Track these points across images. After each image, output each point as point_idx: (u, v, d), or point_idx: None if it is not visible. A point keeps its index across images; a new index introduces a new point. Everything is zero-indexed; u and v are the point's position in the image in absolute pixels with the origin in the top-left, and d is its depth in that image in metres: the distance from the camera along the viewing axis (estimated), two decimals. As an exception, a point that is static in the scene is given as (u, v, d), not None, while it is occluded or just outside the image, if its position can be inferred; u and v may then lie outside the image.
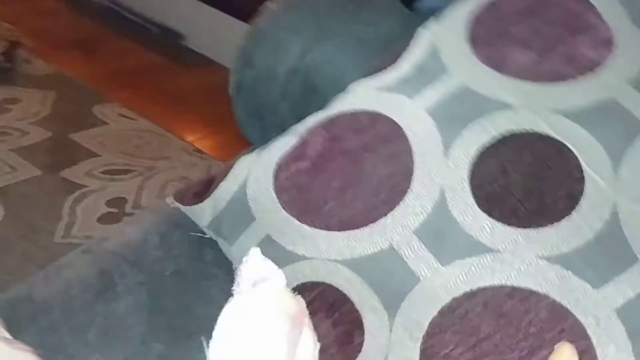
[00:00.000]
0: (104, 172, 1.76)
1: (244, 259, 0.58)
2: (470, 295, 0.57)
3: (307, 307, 0.59)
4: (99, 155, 1.82)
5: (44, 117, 1.94)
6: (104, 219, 1.60)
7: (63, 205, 1.62)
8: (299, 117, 0.69)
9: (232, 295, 0.57)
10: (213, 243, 0.68)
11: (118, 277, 0.62)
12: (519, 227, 0.58)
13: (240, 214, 0.66)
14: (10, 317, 0.49)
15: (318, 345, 0.59)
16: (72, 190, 1.67)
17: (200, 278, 0.64)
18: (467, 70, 0.64)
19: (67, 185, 1.68)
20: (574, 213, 0.58)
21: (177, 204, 0.71)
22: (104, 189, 1.70)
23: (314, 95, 0.73)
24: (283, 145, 0.67)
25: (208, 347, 0.54)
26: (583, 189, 0.58)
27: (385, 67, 0.68)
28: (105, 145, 1.86)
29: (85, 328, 0.57)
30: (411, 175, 0.61)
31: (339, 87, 0.70)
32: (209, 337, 0.55)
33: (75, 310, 0.59)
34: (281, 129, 0.70)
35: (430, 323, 0.58)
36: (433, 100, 0.63)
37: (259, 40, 0.80)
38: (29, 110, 1.95)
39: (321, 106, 0.68)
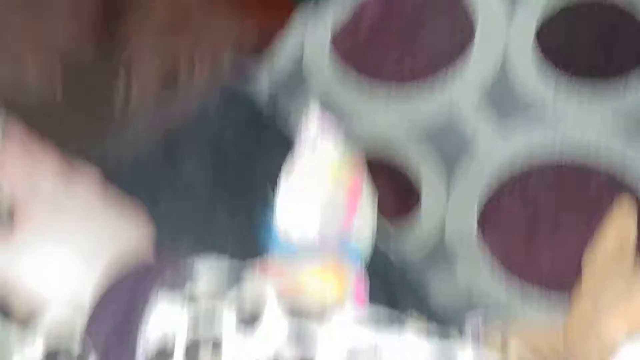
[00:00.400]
0: (156, 33, 1.75)
1: (303, 121, 0.59)
2: (529, 160, 0.57)
3: (365, 169, 0.60)
4: (151, 15, 1.80)
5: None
6: (160, 88, 1.62)
7: (118, 72, 1.63)
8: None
9: (291, 157, 0.58)
10: (271, 108, 0.68)
11: (181, 142, 0.64)
12: (582, 89, 0.57)
13: (297, 78, 0.66)
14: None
15: (375, 208, 0.61)
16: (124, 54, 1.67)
17: (260, 142, 0.66)
18: None
19: (119, 49, 1.68)
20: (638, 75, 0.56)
21: (233, 70, 0.72)
22: (157, 57, 1.70)
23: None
24: (339, 7, 0.65)
25: (272, 210, 0.57)
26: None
27: None
28: (155, 6, 1.84)
29: (156, 190, 0.60)
30: (473, 34, 0.60)
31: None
32: (271, 200, 0.57)
33: (144, 173, 0.61)
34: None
35: (489, 188, 0.58)
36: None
37: None
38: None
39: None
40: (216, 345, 0.35)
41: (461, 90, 0.59)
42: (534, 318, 0.58)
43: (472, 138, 0.59)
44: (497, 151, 0.58)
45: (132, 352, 0.37)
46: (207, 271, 0.38)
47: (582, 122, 0.57)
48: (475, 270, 0.61)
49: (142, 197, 0.58)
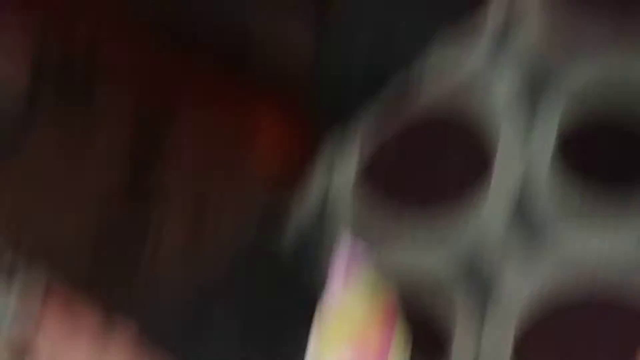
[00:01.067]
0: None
1: (334, 252, 0.59)
2: (558, 298, 0.56)
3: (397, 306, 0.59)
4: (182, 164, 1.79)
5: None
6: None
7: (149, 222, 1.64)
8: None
9: (323, 302, 0.58)
10: (297, 260, 0.69)
11: (210, 299, 0.65)
12: (605, 217, 0.56)
13: (324, 221, 0.66)
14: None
15: (409, 346, 0.59)
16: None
17: (287, 299, 0.65)
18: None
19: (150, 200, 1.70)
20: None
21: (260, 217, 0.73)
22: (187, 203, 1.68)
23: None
24: (364, 141, 0.66)
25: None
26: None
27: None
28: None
29: (187, 347, 0.60)
30: (492, 161, 0.60)
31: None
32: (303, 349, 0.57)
33: (175, 327, 0.62)
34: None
35: (519, 331, 0.57)
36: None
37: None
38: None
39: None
40: None
41: (483, 225, 0.59)
42: None
43: (496, 280, 0.58)
44: (522, 293, 0.57)
45: None
46: None
47: (610, 254, 0.55)
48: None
49: (174, 352, 0.59)
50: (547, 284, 0.56)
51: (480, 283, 0.58)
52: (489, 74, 0.62)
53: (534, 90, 0.60)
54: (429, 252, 0.61)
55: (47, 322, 0.46)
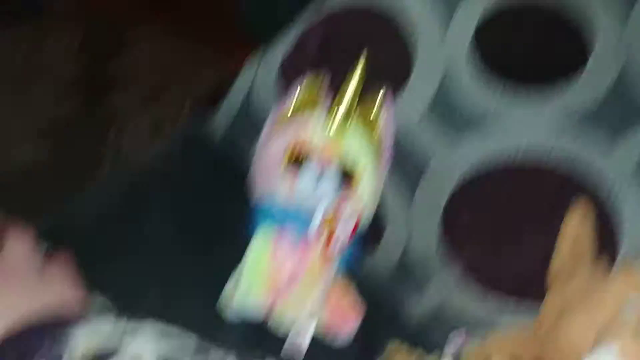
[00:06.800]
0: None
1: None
2: (484, 169, 0.58)
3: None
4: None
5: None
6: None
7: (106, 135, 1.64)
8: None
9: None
10: (226, 148, 0.70)
11: (142, 192, 0.66)
12: (525, 93, 0.58)
13: (247, 114, 0.67)
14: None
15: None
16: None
17: (218, 183, 0.66)
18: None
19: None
20: (581, 75, 0.57)
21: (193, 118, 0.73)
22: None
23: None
24: (285, 43, 0.67)
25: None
26: (591, 50, 0.57)
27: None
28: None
29: (120, 246, 0.61)
30: (412, 59, 0.61)
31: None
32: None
33: (108, 229, 0.62)
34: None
35: (447, 201, 0.59)
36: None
37: None
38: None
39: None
40: None
41: (410, 113, 0.60)
42: (507, 328, 0.58)
43: (424, 155, 0.60)
44: (450, 165, 0.59)
45: None
46: (85, 338, 0.39)
47: (529, 125, 0.57)
48: (444, 286, 0.61)
49: (106, 254, 0.60)
50: (472, 155, 0.58)
51: (407, 163, 0.61)
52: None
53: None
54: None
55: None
